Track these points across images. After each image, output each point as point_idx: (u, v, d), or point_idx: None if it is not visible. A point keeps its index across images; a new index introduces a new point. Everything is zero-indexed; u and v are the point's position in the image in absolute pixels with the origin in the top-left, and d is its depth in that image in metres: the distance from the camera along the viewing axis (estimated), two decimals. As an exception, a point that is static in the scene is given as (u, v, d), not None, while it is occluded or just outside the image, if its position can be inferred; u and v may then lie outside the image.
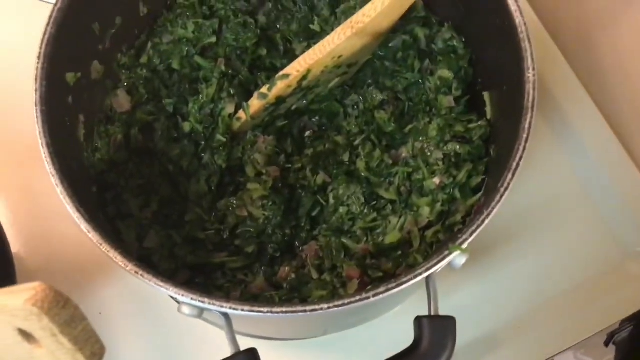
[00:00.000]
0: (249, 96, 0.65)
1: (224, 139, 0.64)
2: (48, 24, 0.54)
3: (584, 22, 0.77)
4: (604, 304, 0.70)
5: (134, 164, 0.63)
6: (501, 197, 0.49)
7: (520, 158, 0.50)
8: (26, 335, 0.30)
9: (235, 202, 0.62)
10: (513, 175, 0.50)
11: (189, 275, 0.59)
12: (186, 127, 0.65)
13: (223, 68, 0.65)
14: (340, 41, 0.59)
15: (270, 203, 0.61)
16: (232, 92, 0.65)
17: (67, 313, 0.28)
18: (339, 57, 0.60)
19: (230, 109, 0.64)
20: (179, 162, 0.64)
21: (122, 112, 0.64)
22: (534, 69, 0.52)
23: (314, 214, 0.64)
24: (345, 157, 0.65)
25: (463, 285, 0.69)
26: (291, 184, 0.64)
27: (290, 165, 0.65)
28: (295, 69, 0.61)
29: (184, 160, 0.64)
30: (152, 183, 0.63)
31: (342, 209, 0.62)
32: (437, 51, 0.64)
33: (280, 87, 0.62)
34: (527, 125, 0.51)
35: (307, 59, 0.60)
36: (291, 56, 0.67)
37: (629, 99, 0.75)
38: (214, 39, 0.66)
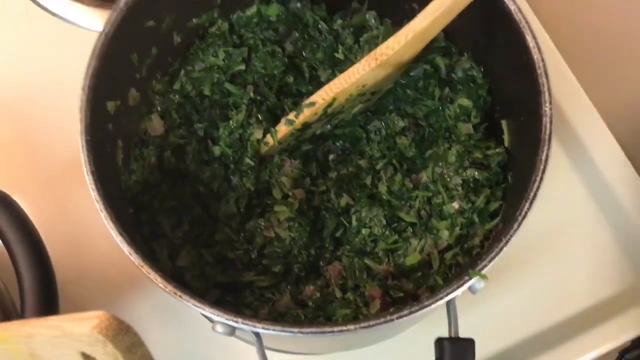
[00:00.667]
0: (276, 121, 0.68)
1: (252, 163, 0.66)
2: (92, 57, 0.56)
3: (602, 52, 0.78)
4: (616, 322, 0.72)
5: (167, 185, 0.65)
6: (519, 225, 0.52)
7: (537, 188, 0.52)
8: (88, 359, 0.34)
9: (262, 223, 0.64)
10: (530, 204, 0.52)
11: (219, 294, 0.62)
12: (216, 150, 0.67)
13: (252, 94, 0.68)
14: (364, 72, 0.61)
15: (296, 225, 0.64)
16: (260, 117, 0.67)
17: (128, 339, 0.31)
18: (363, 86, 0.63)
19: (258, 134, 0.66)
20: (209, 184, 0.66)
21: (156, 135, 0.66)
22: (550, 103, 0.54)
23: (337, 235, 0.66)
24: (368, 181, 0.67)
25: (480, 305, 0.71)
26: (316, 206, 0.67)
27: (315, 188, 0.67)
28: (321, 97, 0.64)
29: (214, 183, 0.66)
30: (183, 204, 0.65)
31: (364, 231, 0.64)
32: (456, 80, 0.66)
33: (306, 114, 0.64)
34: (544, 157, 0.53)
35: (332, 88, 0.63)
36: (316, 83, 0.69)
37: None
38: (243, 67, 0.68)
